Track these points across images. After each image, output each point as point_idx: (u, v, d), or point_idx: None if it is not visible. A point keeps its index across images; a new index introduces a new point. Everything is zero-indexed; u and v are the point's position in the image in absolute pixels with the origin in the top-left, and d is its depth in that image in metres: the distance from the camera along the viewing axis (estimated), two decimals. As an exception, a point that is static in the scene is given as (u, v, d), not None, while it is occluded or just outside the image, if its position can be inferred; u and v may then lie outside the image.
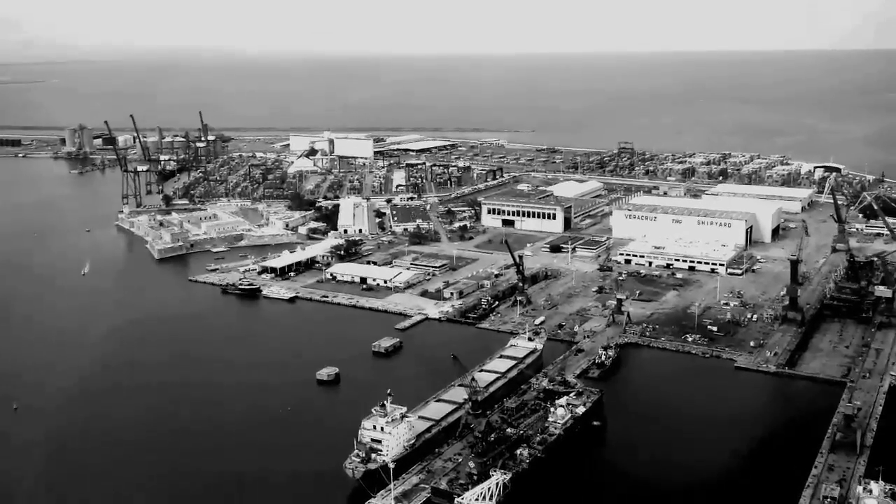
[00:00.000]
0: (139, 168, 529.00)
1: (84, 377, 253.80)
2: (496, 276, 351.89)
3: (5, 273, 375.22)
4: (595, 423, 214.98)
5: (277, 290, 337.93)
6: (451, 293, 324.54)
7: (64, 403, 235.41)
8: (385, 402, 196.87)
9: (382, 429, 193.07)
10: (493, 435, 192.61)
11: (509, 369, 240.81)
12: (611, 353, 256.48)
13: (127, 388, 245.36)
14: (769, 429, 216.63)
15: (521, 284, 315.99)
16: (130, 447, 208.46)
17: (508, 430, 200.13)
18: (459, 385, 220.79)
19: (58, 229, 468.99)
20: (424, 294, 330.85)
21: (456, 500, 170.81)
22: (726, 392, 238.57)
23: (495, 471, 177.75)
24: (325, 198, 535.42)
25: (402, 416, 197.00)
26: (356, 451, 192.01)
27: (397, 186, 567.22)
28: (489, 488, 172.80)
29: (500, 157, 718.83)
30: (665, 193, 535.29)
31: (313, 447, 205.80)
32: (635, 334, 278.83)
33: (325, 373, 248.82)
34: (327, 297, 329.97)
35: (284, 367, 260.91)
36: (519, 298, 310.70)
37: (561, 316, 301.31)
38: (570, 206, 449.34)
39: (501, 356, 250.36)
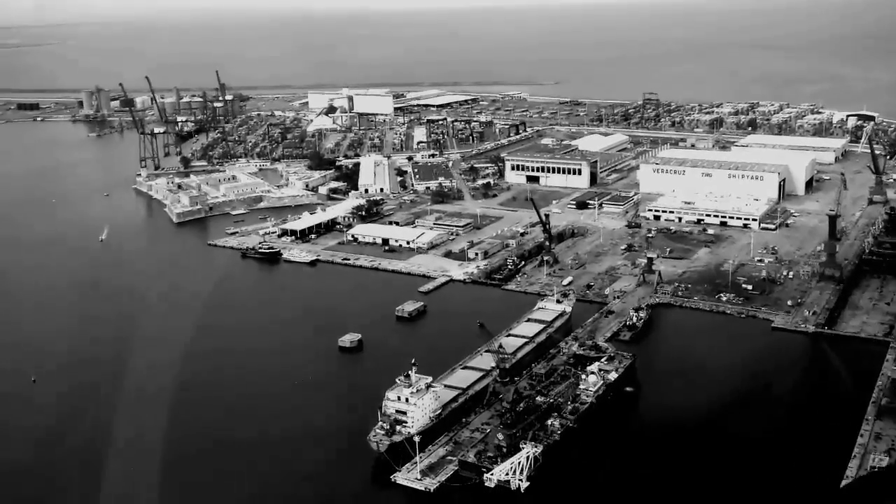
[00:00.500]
0: (156, 130, 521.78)
1: (102, 346, 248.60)
2: (522, 234, 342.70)
3: (25, 240, 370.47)
4: (628, 389, 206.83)
5: (298, 253, 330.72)
6: (476, 253, 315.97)
7: (82, 374, 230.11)
8: (409, 372, 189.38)
9: (407, 400, 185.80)
10: (521, 404, 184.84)
11: (537, 333, 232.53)
12: (642, 314, 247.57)
13: (143, 356, 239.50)
14: (810, 394, 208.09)
15: (547, 244, 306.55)
16: (143, 418, 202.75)
17: (538, 398, 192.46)
18: (486, 351, 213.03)
19: (76, 194, 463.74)
20: (448, 255, 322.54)
21: (485, 475, 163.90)
22: (764, 354, 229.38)
23: (525, 443, 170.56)
24: (346, 156, 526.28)
25: (428, 387, 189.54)
26: (380, 423, 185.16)
27: (418, 143, 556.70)
28: (519, 462, 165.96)
29: (523, 111, 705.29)
30: (693, 146, 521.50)
31: (336, 419, 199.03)
32: (667, 294, 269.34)
33: (347, 339, 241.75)
34: (349, 259, 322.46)
35: (306, 333, 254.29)
36: (546, 258, 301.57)
37: (589, 276, 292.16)
38: (595, 161, 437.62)
39: (529, 320, 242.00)
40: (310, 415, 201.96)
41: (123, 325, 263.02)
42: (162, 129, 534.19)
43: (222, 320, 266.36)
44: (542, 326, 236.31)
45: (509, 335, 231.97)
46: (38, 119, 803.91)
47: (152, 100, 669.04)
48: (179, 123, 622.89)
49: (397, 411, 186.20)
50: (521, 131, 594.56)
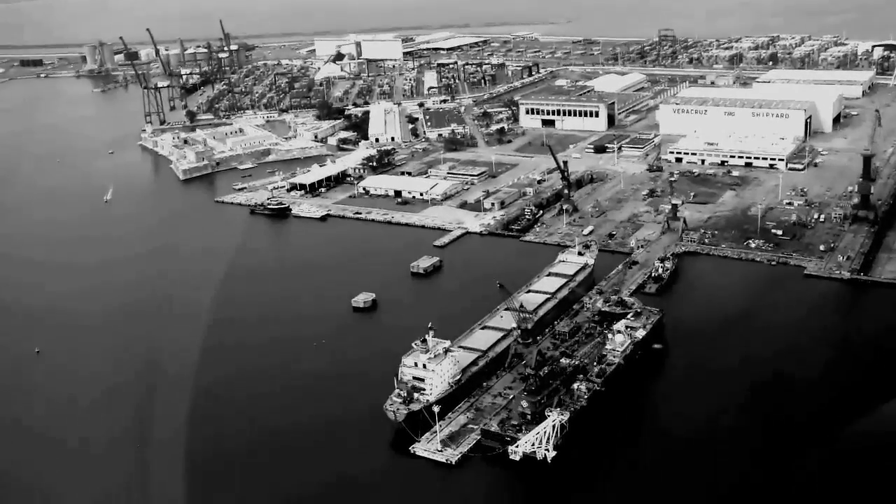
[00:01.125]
0: (160, 84, 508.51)
1: (108, 311, 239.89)
2: (539, 182, 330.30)
3: (29, 201, 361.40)
4: (656, 346, 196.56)
5: (308, 208, 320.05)
6: (492, 203, 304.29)
7: (89, 340, 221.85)
8: (426, 337, 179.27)
9: (424, 366, 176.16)
10: (545, 367, 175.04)
11: (559, 289, 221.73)
12: (668, 264, 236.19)
13: (148, 321, 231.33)
14: (848, 345, 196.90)
15: (566, 191, 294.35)
16: (147, 384, 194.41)
17: (562, 360, 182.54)
18: (506, 310, 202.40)
19: (81, 152, 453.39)
20: (463, 206, 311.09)
21: (509, 448, 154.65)
22: (797, 303, 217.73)
23: (551, 410, 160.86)
24: (355, 105, 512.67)
25: (446, 351, 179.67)
26: (397, 391, 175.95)
27: (429, 89, 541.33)
28: (545, 431, 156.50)
29: (535, 52, 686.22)
30: (712, 83, 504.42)
31: (350, 385, 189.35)
32: (693, 242, 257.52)
33: (361, 299, 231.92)
34: (360, 213, 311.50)
35: (318, 293, 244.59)
36: (565, 207, 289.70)
37: (611, 224, 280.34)
38: (612, 102, 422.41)
39: (550, 274, 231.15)
40: (323, 382, 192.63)
41: (127, 291, 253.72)
42: (166, 83, 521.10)
43: (230, 282, 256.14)
44: (563, 281, 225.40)
45: (529, 291, 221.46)
46: (42, 75, 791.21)
47: (156, 52, 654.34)
48: (184, 76, 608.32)
49: (414, 378, 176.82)
50: (534, 73, 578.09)
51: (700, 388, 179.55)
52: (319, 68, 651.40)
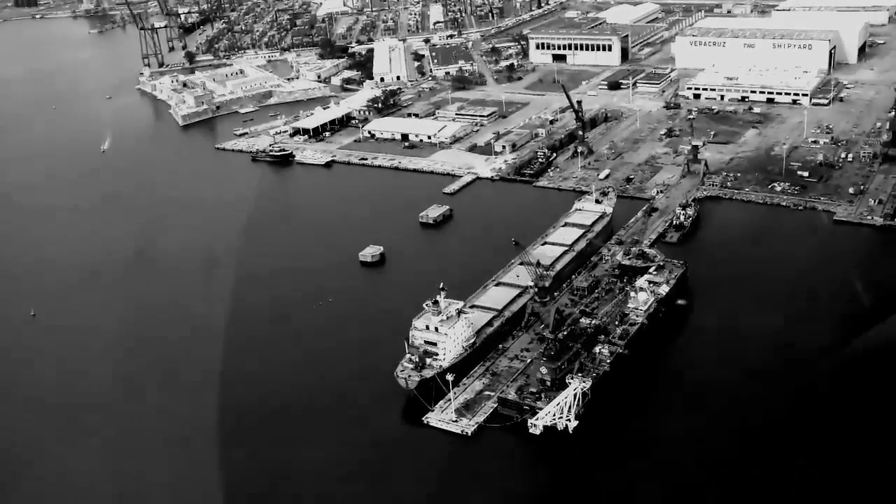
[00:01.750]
0: (156, 25, 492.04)
1: (103, 269, 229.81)
2: (551, 122, 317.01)
3: (25, 152, 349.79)
4: (680, 301, 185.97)
5: (312, 154, 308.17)
6: (503, 146, 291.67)
7: (83, 301, 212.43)
8: (438, 298, 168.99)
9: (437, 329, 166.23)
10: (564, 328, 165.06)
11: (576, 240, 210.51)
12: (690, 211, 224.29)
13: (144, 277, 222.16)
14: (886, 299, 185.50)
15: (580, 133, 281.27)
16: (141, 345, 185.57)
17: (582, 320, 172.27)
18: (521, 264, 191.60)
19: (77, 97, 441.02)
20: (473, 149, 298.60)
21: (528, 422, 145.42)
22: (827, 252, 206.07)
23: (572, 377, 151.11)
24: (358, 41, 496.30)
25: (459, 312, 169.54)
26: (408, 356, 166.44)
27: (435, 24, 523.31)
28: (566, 400, 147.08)
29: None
30: (729, 12, 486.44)
31: (358, 350, 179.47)
32: (715, 186, 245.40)
33: (368, 253, 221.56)
34: (366, 159, 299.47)
35: (323, 246, 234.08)
36: (579, 149, 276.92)
37: (628, 167, 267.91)
38: (626, 35, 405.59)
39: (566, 224, 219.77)
40: (329, 346, 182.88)
41: (124, 246, 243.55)
42: (163, 24, 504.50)
43: (230, 236, 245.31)
44: (581, 232, 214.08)
45: (545, 243, 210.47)
46: (37, 16, 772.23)
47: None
48: (182, 15, 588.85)
49: (426, 342, 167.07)
50: (543, 5, 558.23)
51: (728, 349, 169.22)
52: (322, 3, 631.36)
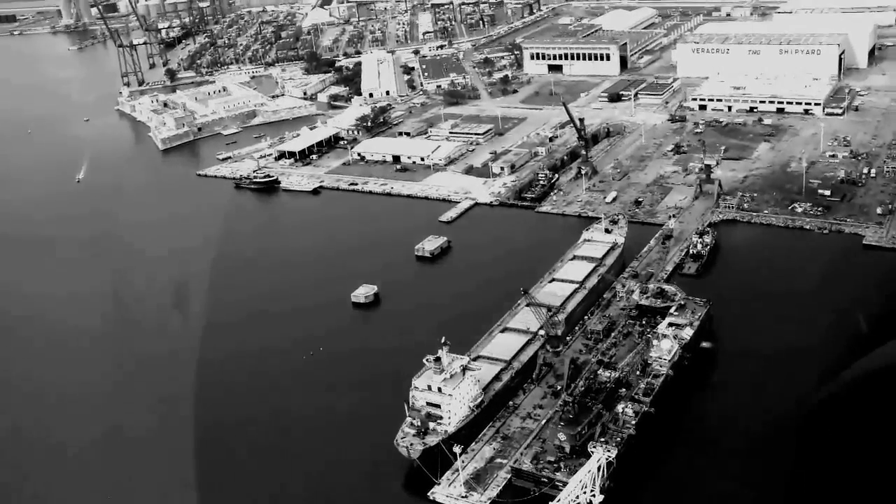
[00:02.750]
0: (135, 41, 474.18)
1: (77, 314, 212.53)
2: (551, 139, 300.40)
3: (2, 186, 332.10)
4: (705, 344, 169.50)
5: (298, 180, 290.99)
6: (501, 167, 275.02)
7: (38, 365, 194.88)
8: (440, 353, 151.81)
9: (440, 389, 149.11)
10: (581, 382, 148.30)
11: (587, 276, 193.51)
12: (707, 239, 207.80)
13: (112, 325, 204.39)
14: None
15: (583, 152, 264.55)
16: (107, 409, 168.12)
17: (600, 372, 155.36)
18: (528, 305, 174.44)
19: (54, 120, 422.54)
20: (469, 170, 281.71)
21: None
22: (860, 282, 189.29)
23: (594, 445, 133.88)
24: (345, 54, 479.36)
25: (464, 369, 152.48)
26: (409, 420, 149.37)
27: (424, 34, 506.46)
28: (590, 473, 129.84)
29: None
30: (728, 15, 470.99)
31: (352, 411, 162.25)
32: (731, 208, 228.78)
33: (361, 294, 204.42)
34: (356, 184, 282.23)
35: (311, 284, 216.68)
36: (584, 170, 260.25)
37: (636, 188, 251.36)
38: (624, 43, 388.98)
39: (575, 257, 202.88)
40: (323, 404, 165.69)
41: (99, 285, 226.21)
42: (142, 40, 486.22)
43: (212, 275, 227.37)
44: (591, 266, 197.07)
45: (553, 280, 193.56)
46: (16, 32, 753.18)
47: (132, 3, 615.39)
48: (163, 30, 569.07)
49: (429, 404, 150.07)
50: (535, 10, 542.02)
51: (762, 401, 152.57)
52: (307, 15, 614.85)
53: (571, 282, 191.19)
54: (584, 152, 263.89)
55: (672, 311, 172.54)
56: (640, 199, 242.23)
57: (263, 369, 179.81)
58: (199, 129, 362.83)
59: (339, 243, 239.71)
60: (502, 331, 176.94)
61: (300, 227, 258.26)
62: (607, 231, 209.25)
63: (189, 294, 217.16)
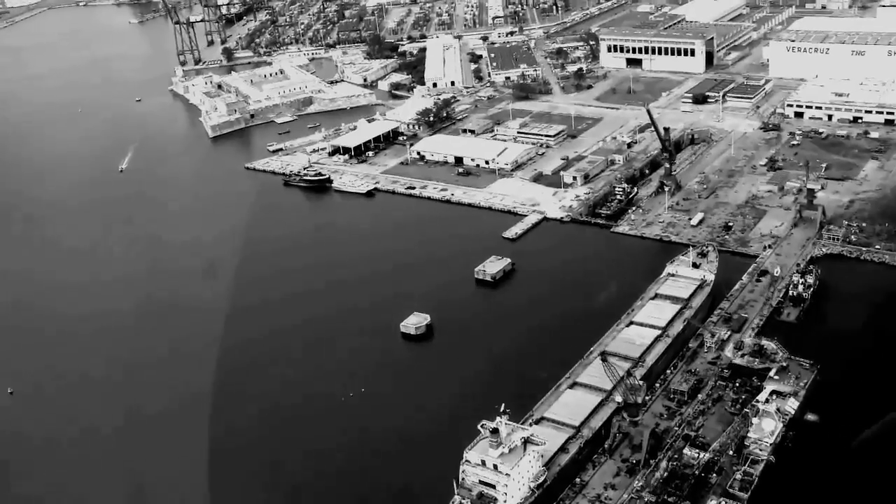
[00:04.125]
0: (192, 18, 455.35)
1: (100, 328, 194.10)
2: (628, 145, 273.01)
3: (36, 165, 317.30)
4: (811, 417, 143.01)
5: (351, 180, 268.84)
6: (574, 177, 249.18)
7: (71, 363, 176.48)
8: (497, 423, 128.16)
9: (496, 467, 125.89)
10: (664, 463, 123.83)
11: (671, 320, 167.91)
12: (810, 279, 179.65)
13: (137, 368, 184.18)
14: None
15: (667, 165, 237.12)
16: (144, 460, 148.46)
17: (686, 451, 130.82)
18: (602, 357, 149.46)
19: (105, 99, 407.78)
20: (538, 178, 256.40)
21: None
22: None
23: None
24: (410, 38, 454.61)
25: (525, 443, 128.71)
26: (458, 499, 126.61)
27: (494, 18, 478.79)
28: None
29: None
30: (824, 7, 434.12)
31: (391, 477, 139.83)
32: (836, 240, 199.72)
33: (412, 324, 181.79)
34: (413, 188, 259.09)
35: (358, 308, 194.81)
36: (666, 185, 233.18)
37: (725, 209, 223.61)
38: (711, 38, 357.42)
39: (657, 296, 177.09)
40: (356, 465, 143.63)
41: (120, 301, 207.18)
42: (199, 17, 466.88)
43: (246, 289, 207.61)
44: (676, 308, 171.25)
45: (632, 323, 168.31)
46: (81, 3, 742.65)
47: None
48: (222, 6, 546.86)
49: (482, 482, 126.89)
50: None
51: (888, 497, 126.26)
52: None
53: (653, 327, 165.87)
54: (667, 165, 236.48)
55: (772, 374, 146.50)
56: (730, 224, 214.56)
57: (295, 411, 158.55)
58: (252, 116, 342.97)
59: (391, 259, 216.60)
60: (571, 386, 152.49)
61: (350, 237, 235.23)
62: (695, 265, 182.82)
63: (214, 318, 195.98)
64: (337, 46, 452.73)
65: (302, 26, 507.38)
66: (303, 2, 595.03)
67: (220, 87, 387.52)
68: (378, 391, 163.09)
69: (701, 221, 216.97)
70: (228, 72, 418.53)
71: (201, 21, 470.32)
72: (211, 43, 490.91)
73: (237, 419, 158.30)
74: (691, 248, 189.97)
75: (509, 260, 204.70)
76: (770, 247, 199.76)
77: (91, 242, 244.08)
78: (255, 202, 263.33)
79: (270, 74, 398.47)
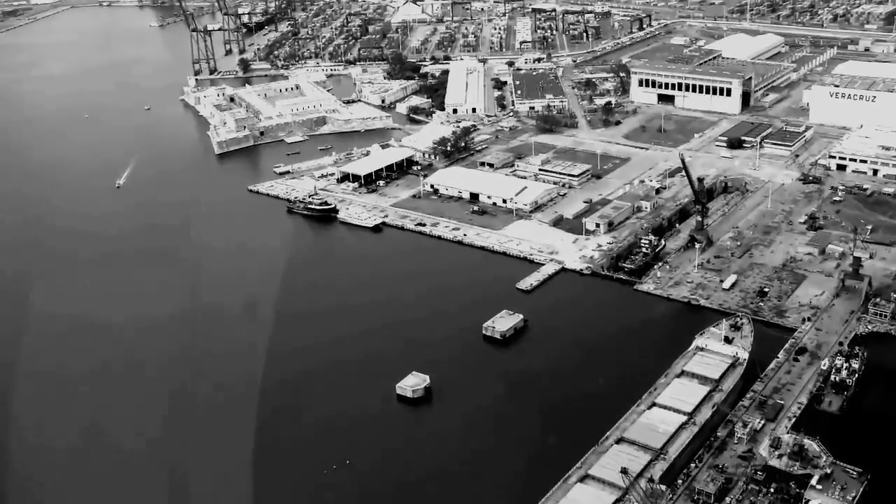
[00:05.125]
0: (209, 27, 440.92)
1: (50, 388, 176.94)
2: (657, 191, 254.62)
3: (32, 177, 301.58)
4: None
5: (359, 212, 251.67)
6: (597, 224, 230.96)
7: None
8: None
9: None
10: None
11: (698, 405, 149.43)
12: (855, 364, 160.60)
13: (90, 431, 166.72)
14: None
15: (699, 218, 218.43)
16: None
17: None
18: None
19: (114, 105, 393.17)
20: (559, 222, 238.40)
21: None
22: None
23: None
24: (433, 58, 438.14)
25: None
26: None
27: (521, 43, 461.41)
28: None
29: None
30: (867, 50, 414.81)
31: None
32: (883, 316, 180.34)
33: (409, 386, 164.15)
34: (424, 224, 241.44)
35: (351, 362, 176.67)
36: (697, 241, 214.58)
37: (760, 272, 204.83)
38: (749, 77, 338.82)
39: (683, 373, 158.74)
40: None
41: (83, 348, 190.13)
42: (217, 26, 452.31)
43: (222, 338, 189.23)
44: (704, 391, 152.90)
45: (654, 405, 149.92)
46: (104, 3, 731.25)
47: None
48: (244, 15, 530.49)
49: None
50: (644, 26, 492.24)
51: None
52: (398, 9, 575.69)
53: (678, 411, 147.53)
54: (699, 219, 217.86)
55: (814, 482, 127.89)
56: (765, 289, 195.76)
57: (269, 484, 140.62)
58: (262, 134, 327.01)
59: (392, 307, 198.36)
60: (582, 478, 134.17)
61: (351, 277, 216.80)
62: (727, 340, 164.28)
63: (200, 362, 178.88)
64: (357, 63, 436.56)
65: (323, 39, 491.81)
66: (327, 14, 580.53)
67: (232, 99, 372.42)
68: (367, 464, 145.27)
69: (733, 285, 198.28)
70: (244, 83, 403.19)
71: (219, 30, 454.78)
72: (229, 52, 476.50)
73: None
74: (724, 319, 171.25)
75: (521, 316, 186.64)
76: (809, 319, 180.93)
77: (60, 270, 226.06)
78: (253, 231, 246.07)
79: (285, 89, 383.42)
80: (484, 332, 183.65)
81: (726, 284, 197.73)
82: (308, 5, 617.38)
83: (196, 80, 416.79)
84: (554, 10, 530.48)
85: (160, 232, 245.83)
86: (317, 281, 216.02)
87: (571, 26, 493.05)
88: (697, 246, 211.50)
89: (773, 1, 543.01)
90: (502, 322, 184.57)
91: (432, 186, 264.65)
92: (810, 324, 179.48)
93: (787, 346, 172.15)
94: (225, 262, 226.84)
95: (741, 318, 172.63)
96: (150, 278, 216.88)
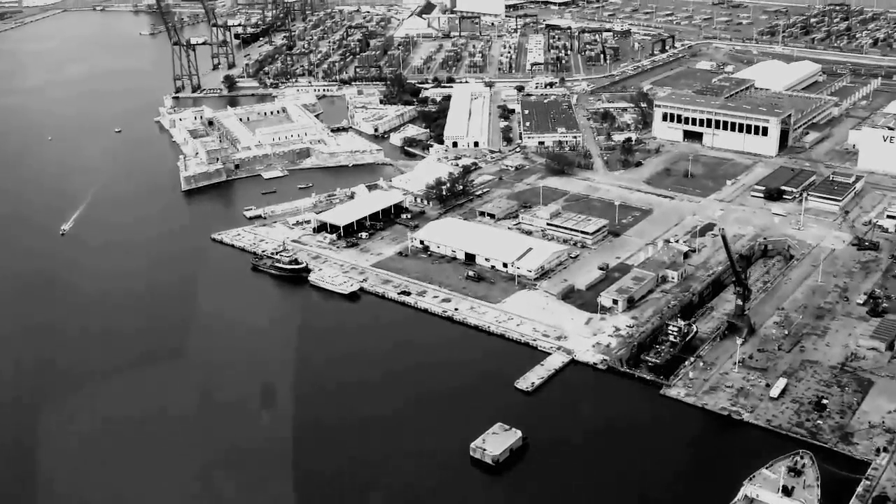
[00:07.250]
0: (193, 41, 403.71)
1: None
2: (685, 256, 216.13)
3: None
4: None
5: (334, 274, 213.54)
6: (614, 300, 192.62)
7: None
8: None
9: None
10: None
11: None
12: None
13: None
14: None
15: (739, 303, 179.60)
16: None
17: None
18: None
19: (82, 127, 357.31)
20: (569, 295, 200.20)
21: None
22: None
23: None
24: (436, 79, 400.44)
25: None
26: None
27: (532, 65, 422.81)
28: None
29: (668, 15, 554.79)
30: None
31: None
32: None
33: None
34: (409, 294, 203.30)
35: (300, 489, 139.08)
36: (738, 328, 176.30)
37: (814, 372, 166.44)
38: (788, 115, 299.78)
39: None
40: None
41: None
42: (201, 40, 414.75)
43: (159, 433, 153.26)
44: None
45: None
46: (99, 8, 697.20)
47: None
48: (231, 27, 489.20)
49: None
50: (667, 47, 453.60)
51: None
52: (402, 22, 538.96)
53: None
54: (739, 302, 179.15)
55: None
56: (823, 399, 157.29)
57: None
58: (236, 167, 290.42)
59: (358, 412, 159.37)
60: None
61: (314, 365, 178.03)
62: (786, 492, 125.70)
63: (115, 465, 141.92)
64: (353, 83, 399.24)
65: (319, 54, 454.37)
66: (326, 26, 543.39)
67: (210, 123, 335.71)
68: None
69: (783, 392, 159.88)
70: (228, 103, 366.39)
71: (203, 44, 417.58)
72: (217, 66, 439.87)
73: None
74: (780, 459, 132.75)
75: (520, 434, 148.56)
76: (885, 450, 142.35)
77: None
78: (207, 296, 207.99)
79: (271, 112, 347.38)
80: (472, 453, 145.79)
81: (774, 392, 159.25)
82: (308, 15, 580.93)
83: (176, 98, 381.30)
84: (570, 27, 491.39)
85: (95, 300, 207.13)
86: (270, 367, 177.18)
87: (588, 46, 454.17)
88: (738, 340, 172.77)
89: (807, 23, 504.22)
90: (495, 441, 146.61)
91: (422, 242, 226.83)
92: (886, 456, 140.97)
93: (859, 490, 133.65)
94: (165, 335, 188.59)
95: (802, 457, 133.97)
96: (78, 364, 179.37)
